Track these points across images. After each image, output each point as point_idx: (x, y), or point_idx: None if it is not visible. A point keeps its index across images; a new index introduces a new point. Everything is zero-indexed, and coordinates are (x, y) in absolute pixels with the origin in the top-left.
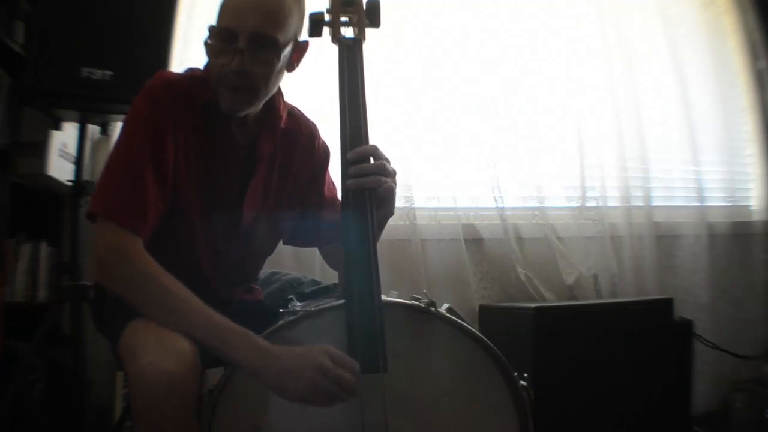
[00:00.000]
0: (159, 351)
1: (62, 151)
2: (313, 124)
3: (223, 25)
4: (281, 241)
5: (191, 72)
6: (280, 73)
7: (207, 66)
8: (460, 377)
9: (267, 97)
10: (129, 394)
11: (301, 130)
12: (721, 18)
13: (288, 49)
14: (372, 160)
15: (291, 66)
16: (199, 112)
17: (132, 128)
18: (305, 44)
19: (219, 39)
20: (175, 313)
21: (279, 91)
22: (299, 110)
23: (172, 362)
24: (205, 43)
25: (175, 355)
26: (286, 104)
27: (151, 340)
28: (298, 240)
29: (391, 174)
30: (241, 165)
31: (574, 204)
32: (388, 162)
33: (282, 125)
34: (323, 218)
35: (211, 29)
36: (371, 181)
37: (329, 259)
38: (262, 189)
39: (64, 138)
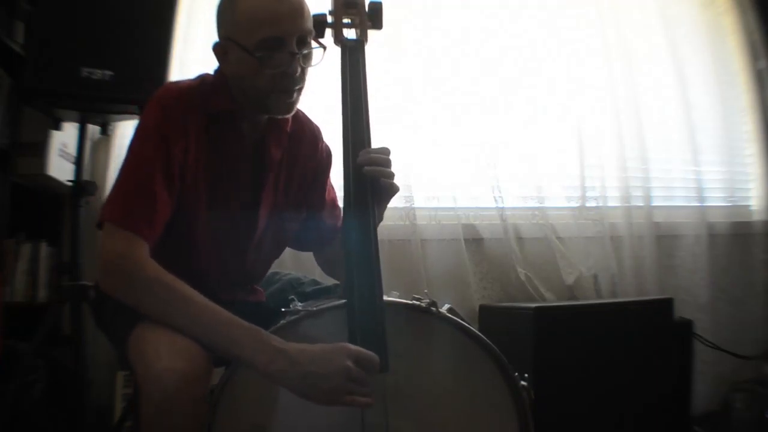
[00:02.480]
0: (171, 352)
1: (62, 151)
2: (317, 127)
3: (268, 35)
4: None
5: (202, 78)
6: None
7: (218, 71)
8: (460, 377)
9: None
10: (139, 395)
11: (305, 132)
12: (721, 18)
13: None
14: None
15: None
16: (210, 120)
17: (142, 137)
18: None
19: (262, 49)
20: (181, 313)
21: None
22: (302, 112)
23: (184, 363)
24: (221, 49)
25: (187, 355)
26: None
27: (162, 341)
28: (296, 243)
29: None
30: (249, 169)
31: (574, 204)
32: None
33: (288, 129)
34: (323, 221)
35: (242, 43)
36: (388, 172)
37: (325, 264)
38: (273, 193)
39: (64, 138)
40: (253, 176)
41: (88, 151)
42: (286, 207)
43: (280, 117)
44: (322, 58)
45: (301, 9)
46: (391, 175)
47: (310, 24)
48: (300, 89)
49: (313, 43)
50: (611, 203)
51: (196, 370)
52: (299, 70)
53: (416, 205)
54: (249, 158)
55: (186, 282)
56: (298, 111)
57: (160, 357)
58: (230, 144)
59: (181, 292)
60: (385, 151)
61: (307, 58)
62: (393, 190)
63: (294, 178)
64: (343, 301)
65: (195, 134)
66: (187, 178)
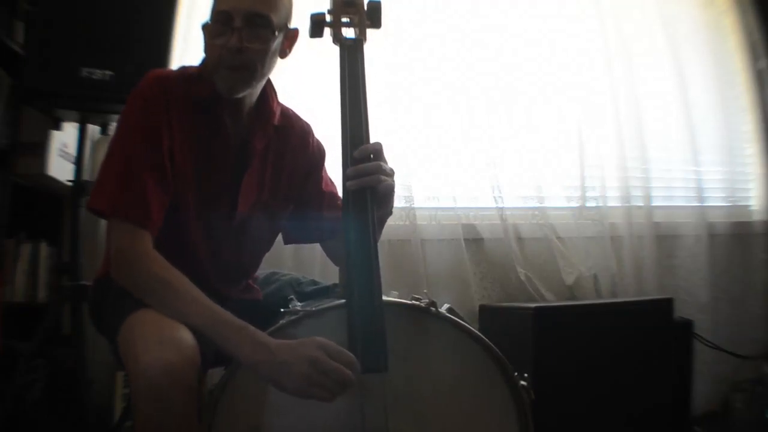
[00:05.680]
0: (159, 343)
1: (62, 151)
2: (307, 124)
3: (219, 9)
4: (282, 241)
5: (183, 69)
6: (274, 56)
7: (203, 61)
8: (460, 377)
9: (263, 81)
10: (130, 389)
11: (294, 128)
12: (721, 18)
13: (281, 33)
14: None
15: (284, 53)
16: (192, 108)
17: (127, 127)
18: (295, 31)
19: (215, 22)
20: (177, 311)
21: (272, 88)
22: (293, 110)
23: (172, 354)
24: (203, 29)
25: (175, 346)
26: (279, 103)
27: (151, 333)
28: (299, 238)
29: (390, 173)
30: (234, 160)
31: (574, 204)
32: (386, 162)
33: (275, 122)
34: (323, 214)
35: (210, 16)
36: (371, 180)
37: (332, 254)
38: (256, 183)
39: (64, 138)
40: (235, 167)
41: (88, 151)
42: (271, 199)
43: (263, 110)
44: (274, 41)
45: None
46: (377, 181)
47: (265, 7)
48: (247, 70)
49: (281, 33)
50: (611, 203)
51: (183, 361)
52: (238, 45)
53: (416, 205)
54: (232, 149)
55: (184, 272)
56: (288, 109)
57: (147, 349)
58: (213, 133)
59: (176, 289)
60: (377, 149)
61: (252, 37)
62: (388, 191)
63: (283, 172)
64: (343, 301)
65: (179, 124)
66: (175, 168)
